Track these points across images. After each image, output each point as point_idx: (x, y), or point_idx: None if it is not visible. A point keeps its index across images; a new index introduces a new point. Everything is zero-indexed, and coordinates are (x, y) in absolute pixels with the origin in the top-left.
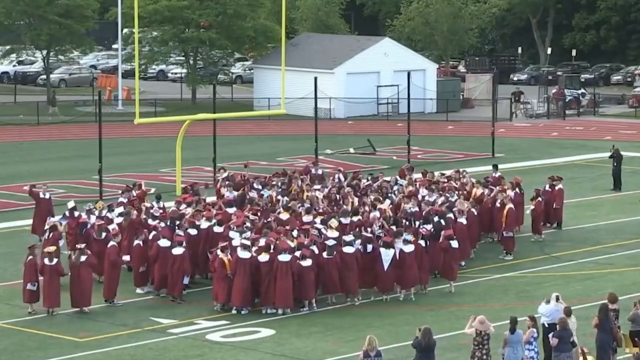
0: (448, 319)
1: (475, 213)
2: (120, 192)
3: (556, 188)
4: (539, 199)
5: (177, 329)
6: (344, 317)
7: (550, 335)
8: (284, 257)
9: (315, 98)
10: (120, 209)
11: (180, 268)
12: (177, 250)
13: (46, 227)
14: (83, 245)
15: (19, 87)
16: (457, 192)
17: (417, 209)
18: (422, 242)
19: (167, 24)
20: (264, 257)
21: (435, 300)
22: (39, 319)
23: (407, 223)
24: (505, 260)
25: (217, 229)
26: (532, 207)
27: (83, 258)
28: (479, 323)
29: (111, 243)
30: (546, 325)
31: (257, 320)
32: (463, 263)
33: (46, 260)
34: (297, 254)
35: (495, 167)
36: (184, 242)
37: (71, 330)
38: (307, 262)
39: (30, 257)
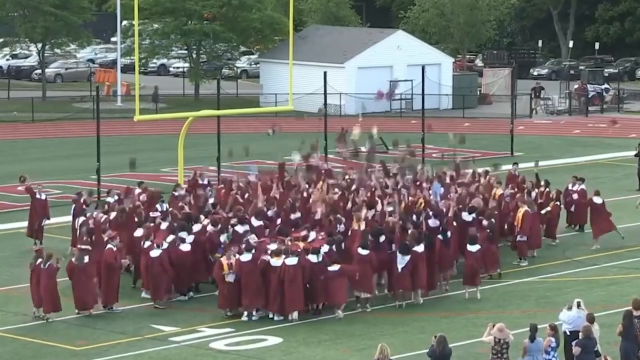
0: (465, 326)
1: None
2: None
3: (577, 189)
4: (557, 202)
5: (179, 337)
6: (354, 324)
7: (573, 344)
8: (291, 261)
9: (325, 94)
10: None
11: (159, 271)
12: (155, 253)
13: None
14: (86, 246)
15: (12, 82)
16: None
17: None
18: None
19: (168, 16)
20: (276, 262)
21: (451, 307)
22: (35, 326)
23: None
24: (522, 266)
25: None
26: (549, 208)
27: (86, 259)
28: (498, 331)
29: (109, 246)
30: (568, 333)
31: (264, 327)
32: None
33: (42, 266)
34: (312, 257)
35: (516, 165)
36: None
37: (68, 338)
38: (335, 267)
39: (39, 259)
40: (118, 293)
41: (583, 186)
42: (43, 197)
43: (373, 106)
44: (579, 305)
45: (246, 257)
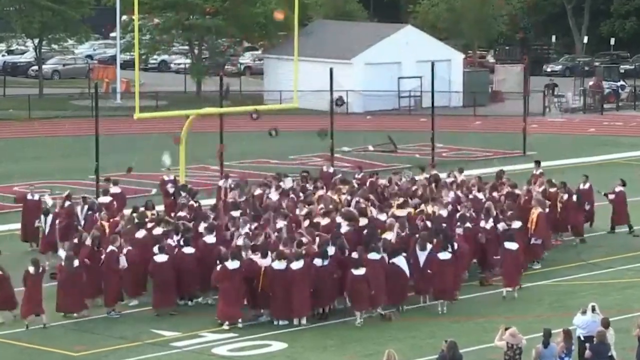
0: (476, 331)
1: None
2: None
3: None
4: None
5: (180, 342)
6: (362, 329)
7: (587, 346)
8: (298, 264)
9: (331, 91)
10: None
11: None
12: (161, 258)
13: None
14: (72, 251)
15: (8, 78)
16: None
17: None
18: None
19: (169, 10)
20: (279, 265)
21: (461, 311)
22: (32, 331)
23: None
24: (536, 269)
25: (210, 239)
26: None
27: (76, 263)
28: (510, 336)
29: (110, 248)
30: (582, 338)
31: (268, 332)
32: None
33: (31, 269)
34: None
35: (538, 163)
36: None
37: (65, 343)
38: (361, 271)
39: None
40: (118, 296)
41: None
42: (36, 197)
43: (380, 104)
44: (593, 309)
45: (233, 264)
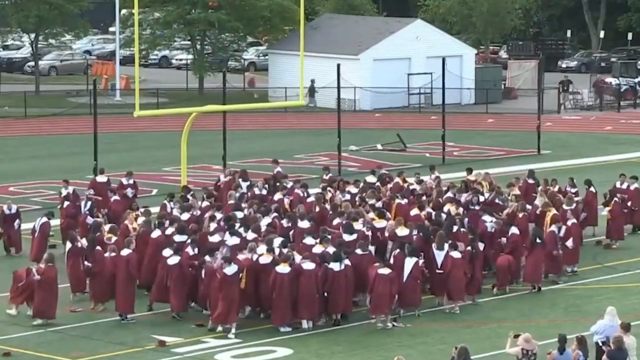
0: (488, 336)
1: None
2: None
3: (632, 188)
4: (616, 199)
5: (182, 348)
6: (371, 334)
7: (604, 350)
8: (309, 265)
9: (339, 87)
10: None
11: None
12: (173, 260)
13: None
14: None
15: (4, 75)
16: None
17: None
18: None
19: (170, 4)
20: (283, 269)
21: (473, 316)
22: (28, 337)
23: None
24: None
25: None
26: (609, 208)
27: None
28: (525, 341)
29: (127, 251)
30: (600, 344)
31: (273, 338)
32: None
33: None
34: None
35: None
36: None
37: (62, 349)
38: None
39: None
40: (134, 302)
41: (637, 184)
42: (13, 210)
43: (390, 101)
44: (612, 313)
45: (231, 269)
